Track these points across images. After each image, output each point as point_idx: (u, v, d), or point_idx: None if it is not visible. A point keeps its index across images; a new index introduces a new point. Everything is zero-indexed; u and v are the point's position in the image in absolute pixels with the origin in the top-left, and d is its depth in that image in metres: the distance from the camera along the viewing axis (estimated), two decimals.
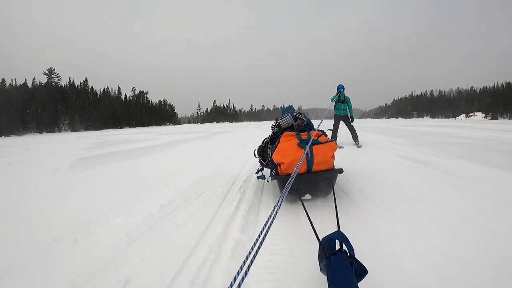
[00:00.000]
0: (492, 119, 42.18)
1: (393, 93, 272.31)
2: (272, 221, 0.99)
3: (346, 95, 6.24)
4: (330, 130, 2.72)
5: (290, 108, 2.90)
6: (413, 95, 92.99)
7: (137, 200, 2.48)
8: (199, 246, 1.58)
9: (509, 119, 43.66)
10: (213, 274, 1.32)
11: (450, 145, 5.34)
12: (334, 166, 2.24)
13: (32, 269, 1.42)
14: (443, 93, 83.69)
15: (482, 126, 12.25)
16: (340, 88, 6.21)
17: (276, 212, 1.04)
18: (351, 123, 6.18)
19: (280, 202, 1.10)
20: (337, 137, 6.22)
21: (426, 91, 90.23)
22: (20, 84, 51.67)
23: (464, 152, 4.35)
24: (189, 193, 2.65)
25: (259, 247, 0.88)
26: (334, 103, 6.19)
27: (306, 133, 2.22)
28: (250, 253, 0.87)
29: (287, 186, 1.22)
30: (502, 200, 2.10)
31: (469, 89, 74.32)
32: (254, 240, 0.94)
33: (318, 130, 2.31)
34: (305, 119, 2.57)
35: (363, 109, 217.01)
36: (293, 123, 2.50)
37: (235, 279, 0.76)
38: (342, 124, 6.23)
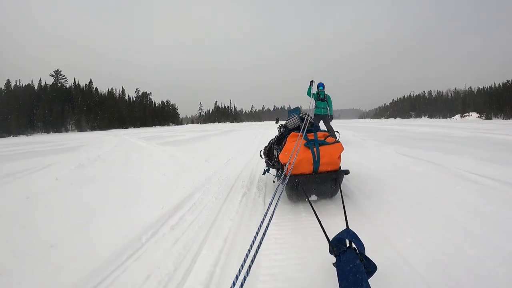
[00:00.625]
0: (486, 119, 43.72)
1: (393, 93, 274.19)
2: (270, 219, 1.04)
3: (326, 93, 6.21)
4: (337, 132, 3.10)
5: (297, 109, 2.95)
6: (412, 95, 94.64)
7: (220, 153, 5.35)
8: (251, 161, 4.33)
9: (503, 119, 45.27)
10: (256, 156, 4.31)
11: (387, 136, 7.86)
12: (340, 167, 2.26)
13: (194, 170, 3.74)
14: (441, 93, 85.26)
15: (450, 125, 15.11)
16: (321, 87, 6.15)
17: (275, 209, 1.11)
18: (330, 122, 6.19)
19: (278, 196, 1.18)
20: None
21: (424, 91, 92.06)
22: (23, 85, 52.99)
23: (387, 139, 6.84)
24: (240, 151, 5.72)
25: (258, 246, 0.92)
26: (313, 101, 5.97)
27: (313, 133, 2.24)
28: (249, 250, 0.90)
29: (283, 177, 1.32)
30: (373, 154, 4.43)
31: (467, 90, 75.78)
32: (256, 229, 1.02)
33: (324, 131, 2.36)
34: (311, 120, 2.60)
35: (363, 109, 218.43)
36: (299, 124, 2.53)
37: (236, 278, 0.80)
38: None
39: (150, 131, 22.52)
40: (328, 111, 6.13)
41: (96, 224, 1.93)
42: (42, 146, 10.09)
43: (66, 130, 51.48)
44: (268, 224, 1.05)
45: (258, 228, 1.03)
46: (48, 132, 49.56)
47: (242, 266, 0.90)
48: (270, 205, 1.30)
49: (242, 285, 0.78)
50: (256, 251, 0.91)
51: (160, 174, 3.53)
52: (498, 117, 48.81)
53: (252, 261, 0.85)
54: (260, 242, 0.95)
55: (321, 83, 6.16)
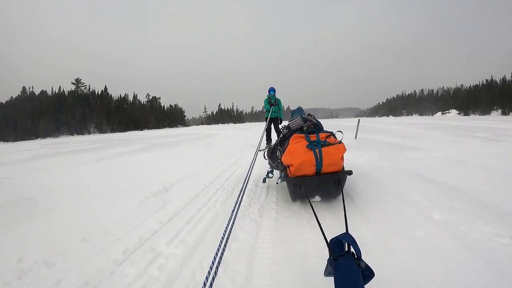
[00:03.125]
0: (464, 115, 49.52)
1: (392, 92, 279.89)
2: (235, 218, 1.25)
3: (277, 97, 6.31)
4: (340, 132, 2.58)
5: (300, 109, 3.00)
6: (404, 94, 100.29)
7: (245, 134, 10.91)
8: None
9: (479, 115, 51.15)
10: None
11: (340, 127, 14.64)
12: (343, 167, 2.25)
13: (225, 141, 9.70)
14: (432, 92, 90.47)
15: (409, 121, 20.78)
16: (272, 91, 6.23)
17: (238, 210, 1.37)
18: (279, 124, 6.37)
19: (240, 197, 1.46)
20: (271, 140, 6.27)
21: (415, 90, 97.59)
22: (37, 93, 58.42)
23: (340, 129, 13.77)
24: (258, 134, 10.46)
25: (225, 244, 1.06)
26: (269, 108, 6.19)
27: (315, 134, 2.21)
28: (219, 247, 1.03)
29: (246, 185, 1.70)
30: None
31: (458, 88, 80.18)
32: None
33: (327, 132, 2.30)
34: (314, 121, 2.57)
35: (361, 108, 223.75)
36: (302, 125, 2.51)
37: (208, 274, 0.90)
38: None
39: (178, 130, 27.83)
40: (279, 114, 6.43)
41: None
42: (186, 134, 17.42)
43: (89, 133, 56.65)
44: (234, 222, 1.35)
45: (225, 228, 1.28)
46: (72, 134, 54.66)
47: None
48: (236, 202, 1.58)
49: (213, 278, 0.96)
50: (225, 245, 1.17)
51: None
52: (475, 113, 54.73)
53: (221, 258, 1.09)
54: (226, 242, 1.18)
55: (272, 87, 6.32)
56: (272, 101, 6.18)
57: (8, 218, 2.54)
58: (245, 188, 1.72)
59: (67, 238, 1.99)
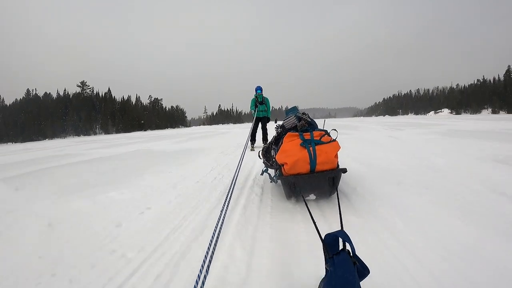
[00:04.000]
0: (456, 114, 51.88)
1: (390, 92, 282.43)
2: (224, 216, 1.38)
3: (264, 96, 6.27)
4: (335, 130, 2.58)
5: (294, 108, 3.03)
6: (400, 94, 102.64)
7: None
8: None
9: (470, 114, 53.52)
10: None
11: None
12: (338, 165, 2.29)
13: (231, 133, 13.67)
14: (428, 91, 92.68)
15: (389, 120, 22.82)
16: (258, 90, 6.19)
17: (227, 208, 1.50)
18: (266, 124, 6.38)
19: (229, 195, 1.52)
20: (255, 141, 6.25)
21: (411, 90, 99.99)
22: (41, 95, 60.12)
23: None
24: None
25: (217, 240, 1.11)
26: (254, 108, 6.16)
27: (309, 133, 2.24)
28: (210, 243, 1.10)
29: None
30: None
31: (452, 87, 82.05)
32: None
33: (321, 130, 2.33)
34: (309, 119, 2.59)
35: (360, 108, 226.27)
36: (296, 124, 2.54)
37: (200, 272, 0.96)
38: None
39: (186, 130, 28.96)
40: (267, 113, 6.39)
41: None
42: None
43: (94, 133, 58.22)
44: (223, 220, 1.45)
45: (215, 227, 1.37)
46: (78, 135, 56.26)
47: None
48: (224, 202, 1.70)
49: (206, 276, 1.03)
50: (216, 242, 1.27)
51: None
52: (466, 112, 57.24)
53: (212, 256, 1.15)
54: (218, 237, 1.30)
55: (259, 86, 6.29)
56: (259, 100, 6.24)
57: (194, 152, 6.04)
58: (233, 189, 2.14)
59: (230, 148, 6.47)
